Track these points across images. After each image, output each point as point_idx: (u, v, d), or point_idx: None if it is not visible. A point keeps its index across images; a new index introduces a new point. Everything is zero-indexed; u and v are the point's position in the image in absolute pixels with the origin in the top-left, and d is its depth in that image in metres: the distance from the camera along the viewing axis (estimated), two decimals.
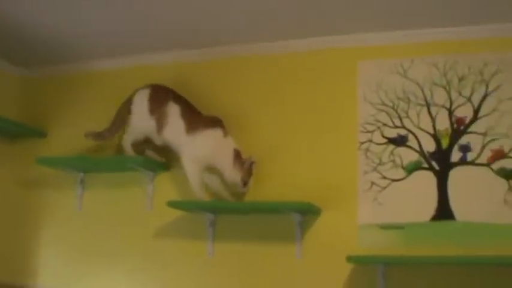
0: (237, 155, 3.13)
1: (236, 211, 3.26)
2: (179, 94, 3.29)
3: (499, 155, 3.04)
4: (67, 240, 3.55)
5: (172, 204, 3.19)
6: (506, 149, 3.03)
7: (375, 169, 3.17)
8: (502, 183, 3.01)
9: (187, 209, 3.28)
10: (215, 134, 3.16)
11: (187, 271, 3.31)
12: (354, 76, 3.28)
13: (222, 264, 3.27)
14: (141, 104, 3.28)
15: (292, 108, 3.34)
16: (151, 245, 3.39)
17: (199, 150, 3.15)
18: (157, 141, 3.27)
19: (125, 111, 3.36)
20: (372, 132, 3.21)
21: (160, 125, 3.22)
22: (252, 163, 3.13)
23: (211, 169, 3.19)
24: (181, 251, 3.34)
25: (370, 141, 3.20)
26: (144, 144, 3.36)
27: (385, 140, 3.19)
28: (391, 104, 3.21)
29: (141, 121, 3.28)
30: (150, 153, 3.38)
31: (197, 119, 3.21)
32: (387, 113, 3.20)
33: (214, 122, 3.19)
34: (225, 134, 3.18)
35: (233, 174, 3.12)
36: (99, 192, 3.54)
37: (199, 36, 3.36)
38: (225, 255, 3.27)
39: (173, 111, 3.21)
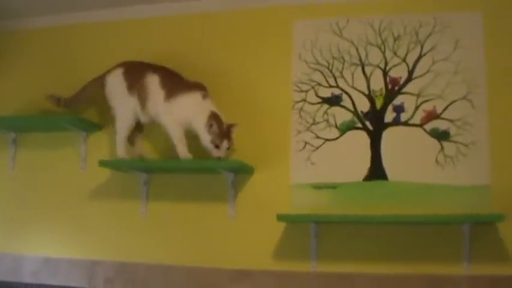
0: (211, 117, 3.01)
1: (169, 170, 3.23)
2: (154, 64, 3.19)
3: (432, 115, 3.06)
4: (0, 201, 3.49)
5: (104, 164, 3.15)
6: (439, 110, 3.05)
7: (308, 129, 3.16)
8: (434, 143, 3.04)
9: (119, 168, 3.25)
10: (193, 96, 3.06)
11: (120, 230, 3.29)
12: (289, 35, 3.26)
13: (155, 223, 3.25)
14: (117, 84, 3.17)
15: (226, 67, 3.30)
16: (85, 204, 3.36)
17: (179, 112, 3.05)
18: (144, 118, 3.15)
19: (93, 86, 3.26)
20: (306, 91, 3.20)
21: (142, 99, 3.10)
22: (229, 126, 3.02)
23: (191, 133, 3.08)
24: (114, 210, 3.31)
25: (304, 100, 3.19)
26: (135, 132, 3.22)
27: (319, 100, 3.18)
28: (325, 64, 3.19)
29: (123, 102, 3.15)
30: (139, 149, 3.24)
31: (176, 85, 3.11)
32: (322, 73, 3.19)
33: (194, 86, 3.10)
34: (204, 97, 3.08)
35: (204, 137, 3.02)
36: (32, 152, 3.48)
37: None
38: (158, 215, 3.26)
39: (152, 81, 3.11)
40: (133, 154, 3.20)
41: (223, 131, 3.00)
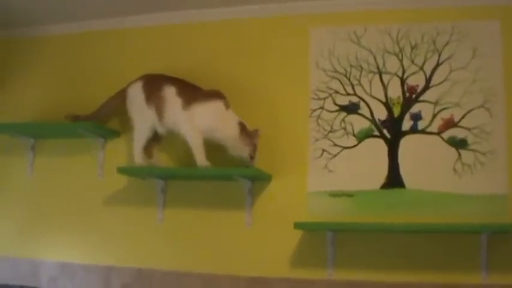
0: (243, 128, 3.06)
1: (187, 177, 3.23)
2: (173, 76, 3.22)
3: (450, 124, 3.05)
4: (18, 206, 3.51)
5: (122, 170, 3.17)
6: (456, 118, 3.05)
7: (326, 136, 3.16)
8: (452, 152, 3.03)
9: (137, 175, 3.27)
10: (216, 106, 3.08)
11: (137, 236, 3.30)
12: (306, 43, 3.27)
13: (171, 230, 3.26)
14: (136, 96, 3.20)
15: (243, 75, 3.31)
16: (102, 211, 3.38)
17: (200, 121, 3.06)
18: (161, 129, 3.17)
19: (115, 101, 3.30)
20: (323, 99, 3.20)
21: (160, 111, 3.13)
22: (257, 135, 3.07)
23: (211, 142, 3.10)
24: (131, 216, 3.33)
25: (322, 108, 3.20)
26: (153, 144, 3.25)
27: (336, 108, 3.18)
28: (343, 72, 3.20)
29: (141, 114, 3.18)
30: (156, 159, 3.27)
31: (195, 94, 3.13)
32: (339, 81, 3.20)
33: (215, 95, 3.12)
34: (227, 106, 3.10)
35: (239, 149, 3.05)
36: (50, 158, 3.50)
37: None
38: (175, 222, 3.27)
39: (169, 92, 3.13)
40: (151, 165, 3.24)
41: (256, 143, 3.06)
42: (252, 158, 3.05)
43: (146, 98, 3.17)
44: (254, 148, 3.05)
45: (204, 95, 3.12)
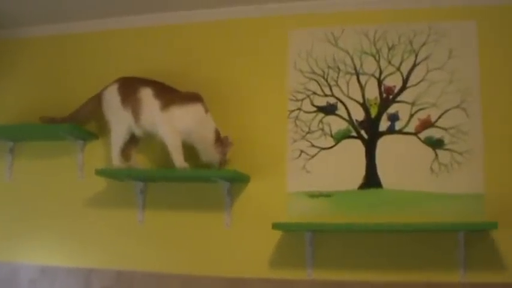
0: (218, 135, 3.08)
1: (165, 179, 3.24)
2: (149, 79, 3.22)
3: (426, 124, 3.08)
4: None
5: (101, 173, 3.17)
6: (433, 118, 3.07)
7: (303, 137, 3.18)
8: (429, 152, 3.06)
9: (116, 177, 3.26)
10: (196, 109, 3.09)
11: (117, 238, 3.30)
12: (284, 44, 3.28)
13: (151, 231, 3.27)
14: (112, 99, 3.20)
15: (221, 77, 3.32)
16: (82, 213, 3.37)
17: (179, 123, 3.07)
18: (138, 132, 3.18)
19: (90, 104, 3.30)
20: (301, 100, 3.22)
21: (136, 113, 3.14)
22: (230, 144, 3.10)
23: (186, 144, 3.11)
24: (111, 218, 3.33)
25: (300, 109, 3.21)
26: (130, 146, 3.26)
27: (314, 109, 3.20)
28: (321, 73, 3.22)
29: (118, 116, 3.19)
30: (134, 162, 3.28)
31: (173, 95, 3.14)
32: (317, 82, 3.21)
33: (194, 98, 3.12)
34: (206, 110, 3.11)
35: (212, 154, 3.08)
36: (29, 161, 3.49)
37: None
38: (155, 223, 3.27)
39: (145, 94, 3.14)
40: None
41: (228, 144, 3.08)
42: (221, 165, 3.09)
43: (122, 100, 3.17)
44: (225, 157, 3.09)
45: (183, 98, 3.12)
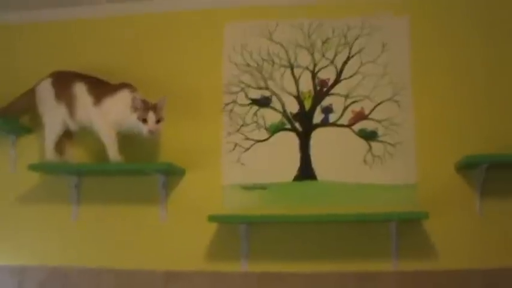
0: (134, 99, 3.00)
1: (100, 173, 3.21)
2: (84, 73, 3.18)
3: (360, 116, 3.13)
4: None
5: (34, 167, 3.12)
6: (366, 111, 3.12)
7: (238, 130, 3.19)
8: (362, 144, 3.11)
9: (49, 171, 3.22)
10: (123, 94, 3.06)
11: (51, 234, 3.25)
12: (220, 37, 3.28)
13: (86, 226, 3.23)
14: (46, 93, 3.16)
15: (157, 69, 3.30)
16: (15, 208, 3.30)
17: (111, 114, 3.05)
18: (73, 126, 3.14)
19: (24, 98, 3.24)
20: (236, 93, 3.23)
21: (71, 107, 3.11)
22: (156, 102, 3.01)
23: (127, 134, 3.07)
24: (45, 214, 3.27)
25: (235, 102, 3.22)
26: (64, 140, 3.20)
27: (249, 101, 3.21)
28: (255, 66, 3.23)
29: (51, 111, 3.14)
30: (69, 156, 3.23)
31: (105, 89, 3.11)
32: (251, 75, 3.23)
33: (122, 85, 3.10)
34: (132, 91, 3.07)
35: (132, 122, 3.00)
36: None
37: None
38: (89, 218, 3.23)
39: (80, 89, 3.12)
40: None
41: (148, 105, 2.99)
42: (144, 120, 2.97)
43: (56, 95, 3.13)
44: (142, 110, 2.97)
45: (112, 88, 3.10)
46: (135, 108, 2.99)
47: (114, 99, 3.07)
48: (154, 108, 2.99)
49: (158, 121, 3.00)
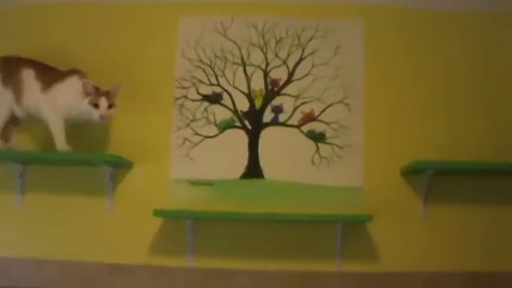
0: (85, 82, 2.97)
1: (46, 162, 3.16)
2: (32, 59, 3.12)
3: (309, 117, 3.15)
4: None
5: None
6: (316, 112, 3.15)
7: (188, 125, 3.19)
8: (311, 145, 3.14)
9: None
10: (72, 81, 3.02)
11: None
12: (174, 31, 3.27)
13: (30, 216, 3.18)
14: None
15: (109, 59, 3.27)
16: None
17: (60, 100, 3.00)
18: (20, 112, 3.07)
19: None
20: (187, 88, 3.22)
21: (18, 93, 3.04)
22: (96, 86, 2.95)
23: (76, 122, 3.05)
24: None
25: (185, 97, 3.21)
26: (10, 126, 3.12)
27: (200, 97, 3.21)
28: (208, 62, 3.23)
29: None
30: (14, 143, 3.15)
31: (52, 76, 3.06)
32: (204, 71, 3.23)
33: (71, 72, 3.05)
34: (81, 77, 3.03)
35: (84, 107, 2.95)
36: None
37: None
38: (34, 208, 3.19)
39: (27, 75, 3.05)
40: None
41: (100, 91, 2.96)
42: (95, 105, 2.94)
43: (2, 79, 3.07)
44: (94, 95, 2.94)
45: (61, 74, 3.06)
46: (86, 94, 2.95)
47: (63, 85, 3.02)
48: (107, 94, 2.97)
49: (110, 106, 2.97)
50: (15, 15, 3.38)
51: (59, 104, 3.00)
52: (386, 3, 3.24)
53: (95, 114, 2.93)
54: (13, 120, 3.11)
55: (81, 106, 2.95)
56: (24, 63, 3.08)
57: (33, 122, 3.13)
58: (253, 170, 3.12)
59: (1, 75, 3.07)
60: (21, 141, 3.16)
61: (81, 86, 2.95)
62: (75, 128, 3.07)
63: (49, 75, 3.05)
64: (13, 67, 3.07)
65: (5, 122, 3.08)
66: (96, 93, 2.94)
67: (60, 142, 2.99)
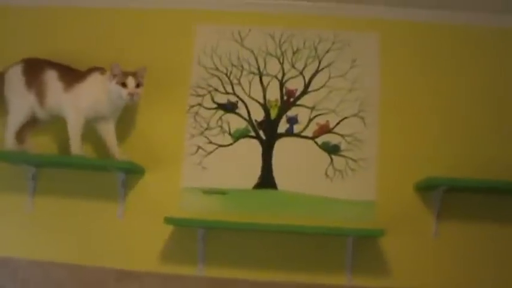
0: (113, 66, 2.99)
1: (59, 165, 3.15)
2: (54, 61, 3.14)
3: (324, 129, 3.14)
4: None
5: None
6: (331, 124, 3.14)
7: (202, 133, 3.18)
8: (325, 157, 3.12)
9: (7, 160, 3.15)
10: (94, 77, 3.05)
11: (4, 224, 3.18)
12: (191, 39, 3.27)
13: (41, 219, 3.17)
14: (15, 80, 3.10)
15: (128, 63, 3.15)
16: None
17: (83, 98, 3.02)
18: (42, 114, 3.09)
19: None
20: (202, 96, 3.21)
21: (41, 96, 3.07)
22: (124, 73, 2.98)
23: (99, 118, 3.06)
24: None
25: (200, 105, 3.21)
26: (27, 129, 3.15)
27: (215, 105, 3.20)
28: (224, 70, 3.22)
29: (20, 98, 3.08)
30: (28, 145, 3.16)
31: (74, 76, 3.08)
32: (219, 79, 3.22)
33: (92, 69, 3.08)
34: (102, 73, 3.05)
35: (112, 87, 2.97)
36: None
37: None
38: (45, 210, 3.18)
39: (50, 76, 3.08)
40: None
41: (127, 71, 2.98)
42: (123, 84, 2.96)
43: (26, 82, 3.08)
44: (121, 75, 2.96)
45: (83, 74, 3.08)
46: (114, 75, 2.97)
47: (85, 84, 3.05)
48: (134, 74, 2.99)
49: (137, 86, 2.99)
50: (38, 17, 3.39)
51: (82, 103, 3.02)
52: (402, 18, 3.24)
53: (124, 93, 2.96)
54: (31, 122, 3.12)
55: (110, 88, 2.97)
56: (47, 64, 3.11)
57: (50, 124, 3.14)
58: (267, 180, 3.11)
59: (25, 78, 3.09)
60: (34, 144, 3.16)
61: (110, 69, 2.97)
62: (90, 133, 3.06)
63: (71, 75, 3.08)
64: (36, 69, 3.10)
65: (22, 125, 3.08)
66: (123, 74, 2.96)
67: (76, 146, 3.00)
